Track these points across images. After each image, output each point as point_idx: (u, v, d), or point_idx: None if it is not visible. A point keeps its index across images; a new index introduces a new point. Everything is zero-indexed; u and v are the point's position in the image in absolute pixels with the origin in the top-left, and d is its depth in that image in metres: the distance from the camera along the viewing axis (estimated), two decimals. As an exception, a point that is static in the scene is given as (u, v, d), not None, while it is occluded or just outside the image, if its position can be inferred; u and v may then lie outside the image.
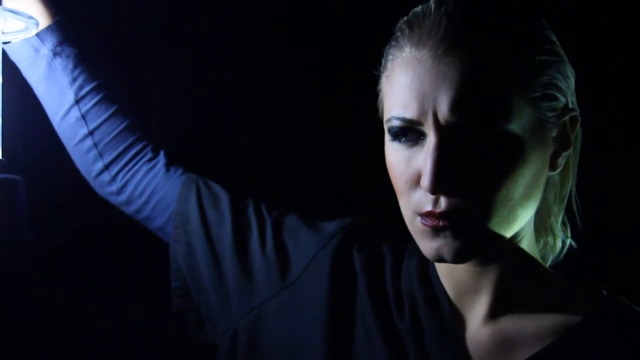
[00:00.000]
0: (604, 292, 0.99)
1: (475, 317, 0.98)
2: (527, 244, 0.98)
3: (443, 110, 0.87)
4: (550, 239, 1.03)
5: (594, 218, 1.05)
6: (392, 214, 0.96)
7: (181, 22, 1.52)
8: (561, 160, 0.96)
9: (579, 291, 0.99)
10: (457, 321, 0.99)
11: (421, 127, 0.89)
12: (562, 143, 0.95)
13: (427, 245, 0.91)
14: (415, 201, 0.91)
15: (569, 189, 1.01)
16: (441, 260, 0.91)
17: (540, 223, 1.02)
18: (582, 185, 1.03)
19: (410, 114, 0.89)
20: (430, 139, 0.88)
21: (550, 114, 0.92)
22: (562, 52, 0.95)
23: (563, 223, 1.04)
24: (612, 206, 1.43)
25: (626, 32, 1.47)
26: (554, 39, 0.95)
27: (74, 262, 1.48)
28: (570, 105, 0.95)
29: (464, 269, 0.97)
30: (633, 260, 1.44)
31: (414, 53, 0.90)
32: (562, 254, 1.05)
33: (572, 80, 0.96)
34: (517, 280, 0.97)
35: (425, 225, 0.90)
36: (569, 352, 0.94)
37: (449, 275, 1.00)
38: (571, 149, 0.97)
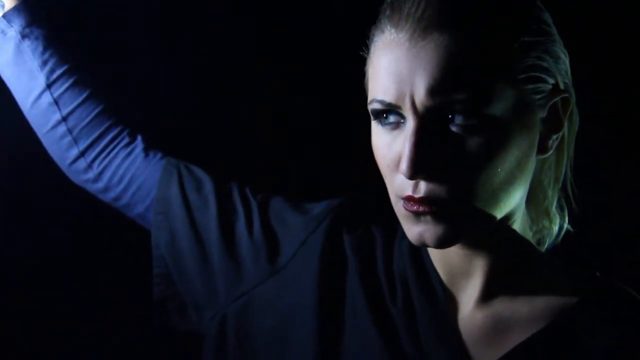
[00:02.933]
0: (597, 274, 0.99)
1: (469, 300, 0.97)
2: (518, 227, 0.97)
3: (420, 94, 0.85)
4: (546, 222, 1.02)
5: (592, 201, 1.04)
6: (382, 194, 0.96)
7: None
8: (552, 143, 0.94)
9: (572, 273, 0.99)
10: (450, 304, 0.98)
11: (400, 111, 0.88)
12: (553, 125, 0.93)
13: (410, 230, 0.91)
14: (397, 185, 0.90)
15: (563, 172, 1.00)
16: (424, 245, 0.90)
17: (536, 206, 1.01)
18: (581, 170, 1.02)
19: (389, 97, 0.88)
20: (409, 123, 0.87)
21: (536, 97, 0.90)
22: (553, 31, 0.92)
23: (560, 207, 1.03)
24: (610, 190, 1.44)
25: (628, 14, 1.46)
26: (545, 18, 0.92)
27: (53, 254, 1.47)
28: (562, 87, 0.93)
29: (456, 252, 0.96)
30: (628, 244, 1.45)
31: (393, 35, 0.88)
32: (559, 238, 1.04)
33: (565, 60, 0.94)
34: (510, 263, 0.96)
35: (407, 210, 0.89)
36: (563, 335, 0.94)
37: (441, 258, 0.99)
38: (564, 132, 0.95)
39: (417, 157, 0.85)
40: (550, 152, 0.94)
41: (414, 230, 0.90)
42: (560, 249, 1.04)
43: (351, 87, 1.03)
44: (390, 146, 0.90)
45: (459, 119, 0.86)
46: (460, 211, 0.88)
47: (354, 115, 1.07)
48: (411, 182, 0.88)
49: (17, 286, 1.45)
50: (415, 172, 0.86)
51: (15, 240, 1.43)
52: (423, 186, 0.87)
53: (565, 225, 1.04)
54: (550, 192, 1.00)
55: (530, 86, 0.89)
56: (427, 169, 0.86)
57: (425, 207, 0.87)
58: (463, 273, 0.97)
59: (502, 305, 0.96)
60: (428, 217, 0.88)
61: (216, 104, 1.53)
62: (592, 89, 1.07)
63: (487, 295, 0.96)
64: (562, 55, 0.93)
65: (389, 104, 0.88)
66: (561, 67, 0.93)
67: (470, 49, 0.85)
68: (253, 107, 1.54)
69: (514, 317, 0.95)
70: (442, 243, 0.89)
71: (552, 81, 0.91)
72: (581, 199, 1.02)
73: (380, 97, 0.88)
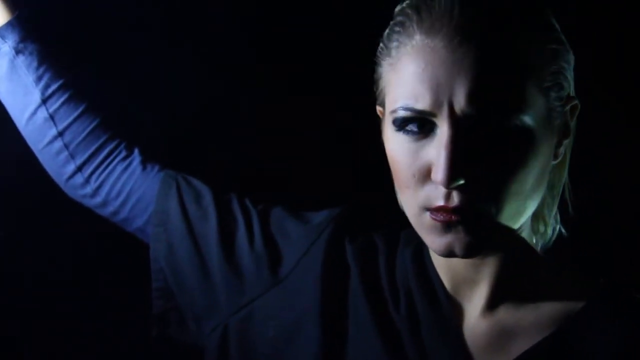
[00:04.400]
0: (601, 279, 0.99)
1: (473, 308, 0.97)
2: (526, 234, 0.97)
3: (460, 101, 0.84)
4: (541, 226, 1.02)
5: (585, 206, 1.04)
6: (384, 202, 0.95)
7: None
8: (562, 149, 0.94)
9: (577, 279, 0.98)
10: (455, 313, 0.97)
11: (433, 119, 0.86)
12: (564, 132, 0.94)
13: (436, 241, 0.89)
14: (425, 195, 0.88)
15: (563, 178, 0.99)
16: (452, 255, 0.89)
17: (534, 212, 0.99)
18: (574, 174, 1.01)
19: (422, 104, 0.86)
20: (444, 131, 0.85)
21: (557, 104, 0.90)
22: (564, 39, 0.93)
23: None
24: (603, 194, 1.43)
25: (623, 15, 1.45)
26: (557, 25, 0.92)
27: (54, 254, 1.46)
28: (572, 94, 0.94)
29: (463, 261, 0.95)
30: (626, 248, 1.45)
31: (425, 41, 0.86)
32: (552, 241, 1.03)
33: (572, 66, 0.94)
34: (516, 271, 0.96)
35: (435, 220, 0.87)
36: (569, 343, 0.93)
37: (445, 266, 0.98)
38: (570, 138, 0.95)
39: (454, 166, 0.84)
40: (560, 158, 0.94)
41: (441, 241, 0.88)
42: (553, 252, 1.03)
43: (352, 88, 1.02)
44: (417, 155, 0.88)
45: (493, 127, 0.85)
46: (491, 219, 0.87)
47: (354, 116, 1.06)
48: (443, 192, 0.86)
49: (17, 286, 1.45)
50: (453, 180, 0.84)
51: (15, 241, 1.43)
52: (457, 195, 0.86)
53: (558, 227, 1.03)
54: (548, 198, 0.99)
55: (555, 93, 0.90)
56: (463, 178, 0.85)
57: (458, 216, 0.86)
58: (468, 281, 0.96)
59: (508, 313, 0.96)
60: (459, 227, 0.87)
61: (216, 104, 1.52)
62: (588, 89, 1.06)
63: (492, 303, 0.96)
64: (572, 62, 0.94)
65: (421, 111, 0.86)
66: (572, 74, 0.93)
67: (507, 57, 0.85)
68: (253, 107, 1.53)
69: (520, 325, 0.95)
70: (471, 252, 0.88)
71: (568, 88, 0.92)
72: (576, 203, 1.02)
73: (410, 104, 0.87)
